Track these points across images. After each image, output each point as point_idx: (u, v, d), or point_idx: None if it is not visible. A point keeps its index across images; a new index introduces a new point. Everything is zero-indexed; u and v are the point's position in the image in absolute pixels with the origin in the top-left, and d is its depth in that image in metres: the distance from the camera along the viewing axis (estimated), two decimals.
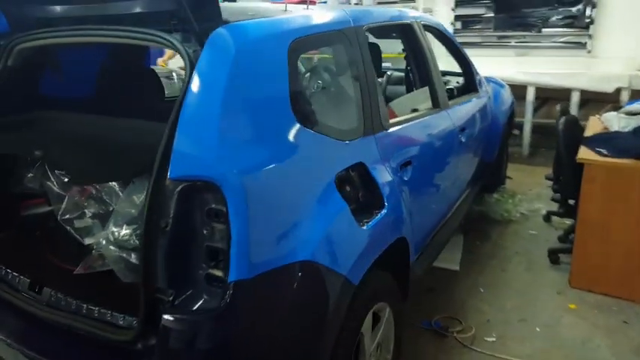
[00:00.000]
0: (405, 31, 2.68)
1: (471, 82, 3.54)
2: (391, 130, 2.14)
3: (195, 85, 1.39)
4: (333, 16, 2.03)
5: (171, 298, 1.34)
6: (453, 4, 6.59)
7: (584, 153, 2.87)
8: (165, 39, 1.49)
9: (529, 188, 4.64)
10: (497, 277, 3.19)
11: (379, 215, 1.83)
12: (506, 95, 4.16)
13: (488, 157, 3.79)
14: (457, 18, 6.62)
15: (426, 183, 2.48)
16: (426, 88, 2.68)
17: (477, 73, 3.60)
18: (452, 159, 2.80)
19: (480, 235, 3.74)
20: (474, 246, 3.60)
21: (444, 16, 6.64)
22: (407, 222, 2.12)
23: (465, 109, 3.16)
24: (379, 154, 1.99)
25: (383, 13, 2.61)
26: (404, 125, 2.26)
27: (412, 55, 2.76)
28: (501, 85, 4.17)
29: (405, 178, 2.15)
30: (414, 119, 2.37)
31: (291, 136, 1.55)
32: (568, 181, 3.05)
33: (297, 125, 1.58)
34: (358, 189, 1.83)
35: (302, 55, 1.75)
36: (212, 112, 1.37)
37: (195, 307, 1.35)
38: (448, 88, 3.52)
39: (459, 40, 6.58)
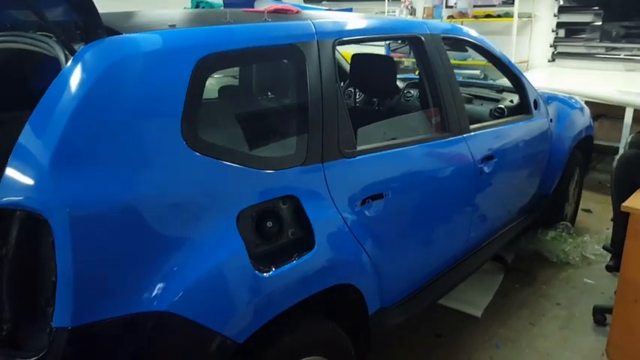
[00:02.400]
0: (414, 44, 2.36)
1: (522, 103, 3.07)
2: (356, 158, 1.88)
3: (46, 101, 1.29)
4: (288, 27, 1.82)
5: (4, 333, 1.25)
6: (556, 10, 5.88)
7: (635, 200, 2.32)
8: (45, 43, 1.41)
9: (607, 227, 3.95)
10: (522, 331, 2.73)
11: (301, 258, 1.59)
12: (579, 118, 3.56)
13: (544, 187, 3.28)
14: (560, 25, 5.90)
15: (415, 221, 2.16)
16: (421, 113, 2.34)
17: (533, 92, 3.11)
18: (462, 191, 2.42)
19: (522, 278, 3.25)
20: (511, 289, 3.13)
21: (546, 23, 5.96)
22: (362, 266, 1.86)
23: (501, 134, 2.74)
24: (326, 186, 1.75)
25: (375, 23, 2.30)
26: (377, 153, 1.98)
27: (422, 72, 2.43)
28: (573, 106, 3.58)
29: (370, 215, 1.88)
30: (394, 146, 2.07)
31: (168, 165, 1.38)
32: (618, 231, 2.51)
33: (185, 152, 1.40)
34: (282, 226, 1.62)
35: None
36: (52, 135, 1.23)
37: (23, 348, 1.24)
38: (498, 108, 3.12)
39: (560, 49, 5.98)
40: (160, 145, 1.37)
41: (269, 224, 1.59)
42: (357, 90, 3.12)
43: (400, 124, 2.40)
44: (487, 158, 2.53)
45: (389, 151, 2.03)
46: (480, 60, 5.66)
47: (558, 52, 6.00)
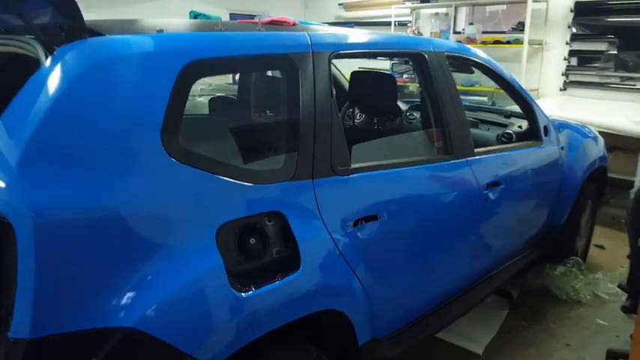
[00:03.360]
0: (416, 62, 2.27)
1: (531, 128, 2.95)
2: (350, 175, 1.77)
3: (19, 99, 1.21)
4: (281, 37, 1.74)
5: None
6: (568, 37, 5.79)
7: None
8: (30, 45, 1.35)
9: (621, 264, 3.76)
10: None
11: (284, 279, 1.47)
12: (592, 147, 3.42)
13: (553, 218, 3.12)
14: (572, 53, 5.80)
15: (412, 246, 2.03)
16: (422, 133, 2.23)
17: (543, 117, 2.99)
18: (465, 218, 2.29)
19: (530, 314, 3.07)
20: (517, 326, 2.94)
21: (558, 51, 5.87)
22: (352, 292, 1.72)
23: (509, 159, 2.61)
24: (315, 204, 1.64)
25: (376, 38, 2.21)
26: (374, 172, 1.86)
27: (424, 91, 2.33)
28: (586, 135, 3.44)
29: (362, 237, 1.76)
30: (392, 166, 1.95)
31: (146, 172, 1.29)
32: (635, 269, 2.35)
33: (164, 160, 1.31)
34: (266, 244, 1.50)
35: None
36: (23, 135, 1.16)
37: None
38: (506, 133, 3.00)
39: (572, 78, 5.87)
40: (138, 152, 1.28)
41: (252, 241, 1.48)
42: (356, 110, 3.03)
43: (400, 144, 2.29)
44: (493, 184, 2.40)
45: (386, 170, 1.92)
46: (488, 86, 5.58)
47: (570, 81, 5.87)
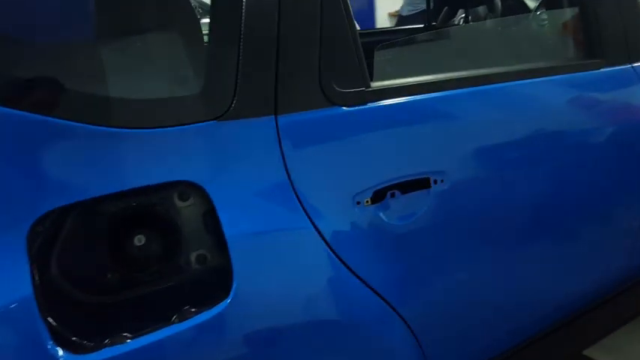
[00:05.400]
0: None
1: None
2: (367, 105, 0.91)
3: None
4: None
5: None
6: None
7: None
8: None
9: None
10: None
11: (183, 323, 0.72)
12: None
13: None
14: None
15: (525, 237, 1.11)
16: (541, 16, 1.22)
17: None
18: (632, 173, 1.27)
19: None
20: None
21: None
22: (375, 336, 0.91)
23: None
24: (282, 163, 0.82)
25: None
26: (424, 96, 0.97)
27: None
28: None
29: (392, 222, 0.91)
30: (470, 82, 1.02)
31: None
32: None
33: None
34: (151, 249, 0.76)
35: None
36: None
37: None
38: None
39: None
40: None
41: (138, 241, 0.76)
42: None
43: (495, 44, 1.30)
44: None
45: (454, 91, 1.01)
46: None
47: None
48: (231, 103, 0.78)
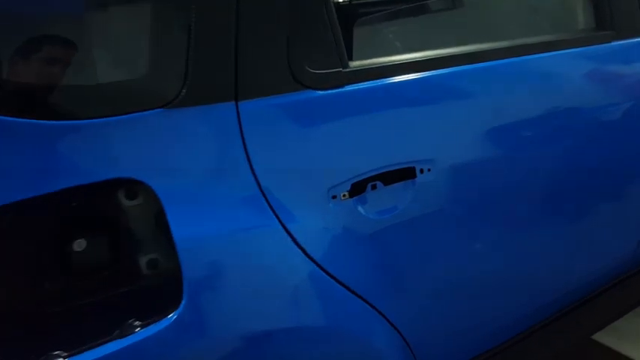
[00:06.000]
0: None
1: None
2: (345, 88, 0.80)
3: None
4: None
5: None
6: None
7: None
8: None
9: None
10: None
11: (118, 345, 0.63)
12: None
13: None
14: None
15: (520, 224, 1.02)
16: None
17: None
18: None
19: None
20: None
21: None
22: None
23: None
24: (245, 155, 0.73)
25: None
26: (415, 77, 0.86)
27: None
28: None
29: (373, 217, 0.83)
30: (465, 59, 0.92)
31: None
32: None
33: None
34: (94, 255, 0.68)
35: None
36: None
37: None
38: None
39: None
40: None
41: (78, 246, 0.67)
42: None
43: (494, 17, 1.18)
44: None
45: (446, 70, 0.90)
46: None
47: None
48: (181, 88, 0.68)
